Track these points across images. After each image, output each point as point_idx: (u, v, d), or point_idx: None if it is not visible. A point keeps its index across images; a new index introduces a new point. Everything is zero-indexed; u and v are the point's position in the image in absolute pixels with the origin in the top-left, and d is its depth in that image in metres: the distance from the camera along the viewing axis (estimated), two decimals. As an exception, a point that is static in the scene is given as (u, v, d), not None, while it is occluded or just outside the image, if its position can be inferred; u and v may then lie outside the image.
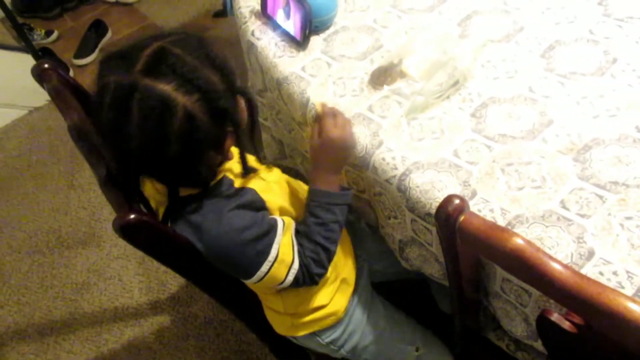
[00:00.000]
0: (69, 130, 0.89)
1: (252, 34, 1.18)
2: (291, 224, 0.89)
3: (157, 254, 0.84)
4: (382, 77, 1.02)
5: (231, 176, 0.86)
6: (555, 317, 0.65)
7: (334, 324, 1.04)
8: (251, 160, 0.91)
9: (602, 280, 0.70)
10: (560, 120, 0.89)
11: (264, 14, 1.19)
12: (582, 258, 0.73)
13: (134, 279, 1.80)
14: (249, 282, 0.87)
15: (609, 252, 0.73)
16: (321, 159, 0.91)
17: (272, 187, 0.92)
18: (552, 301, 0.70)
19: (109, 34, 2.68)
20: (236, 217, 0.81)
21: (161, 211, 0.84)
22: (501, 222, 0.79)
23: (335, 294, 1.01)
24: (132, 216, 0.74)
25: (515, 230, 0.77)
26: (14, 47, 2.45)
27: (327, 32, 1.15)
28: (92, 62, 2.57)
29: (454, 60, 0.97)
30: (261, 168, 0.90)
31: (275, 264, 0.84)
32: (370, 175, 0.93)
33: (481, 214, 0.79)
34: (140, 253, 0.82)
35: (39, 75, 0.97)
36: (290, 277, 0.86)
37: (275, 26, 1.17)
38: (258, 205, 0.85)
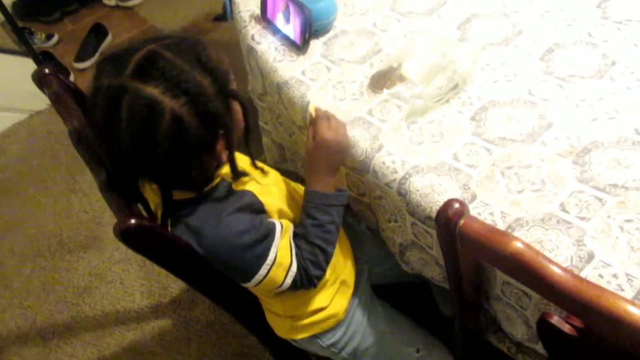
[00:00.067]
0: (70, 134, 0.90)
1: (252, 38, 1.18)
2: (289, 227, 0.90)
3: (157, 259, 0.84)
4: (381, 80, 1.02)
5: (229, 180, 0.86)
6: (555, 320, 0.65)
7: (334, 326, 1.04)
8: (246, 164, 0.91)
9: (602, 283, 0.70)
10: (560, 123, 0.89)
11: (264, 18, 1.19)
12: (582, 261, 0.73)
13: (135, 282, 1.80)
14: (247, 286, 0.87)
15: (608, 255, 0.73)
16: (316, 161, 0.92)
17: (271, 189, 0.92)
18: (552, 304, 0.71)
19: (109, 38, 2.68)
20: (234, 221, 0.81)
21: (159, 213, 0.85)
22: (501, 225, 0.79)
23: (334, 296, 1.02)
24: (133, 221, 0.74)
25: (515, 233, 0.77)
26: (14, 51, 2.45)
27: (327, 36, 1.15)
28: (92, 65, 2.58)
29: (454, 64, 0.97)
30: (255, 173, 0.91)
31: (274, 267, 0.84)
32: (371, 179, 0.93)
33: (481, 217, 0.80)
34: (141, 257, 0.83)
35: (39, 80, 0.97)
36: (289, 280, 0.87)
37: (275, 30, 1.17)
38: (256, 208, 0.85)
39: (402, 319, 1.14)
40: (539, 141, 0.87)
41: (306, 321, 1.01)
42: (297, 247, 0.88)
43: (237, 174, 0.83)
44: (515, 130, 0.90)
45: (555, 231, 0.77)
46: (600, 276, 0.71)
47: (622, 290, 0.69)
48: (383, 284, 1.18)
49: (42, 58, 2.41)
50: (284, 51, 1.14)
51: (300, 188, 1.01)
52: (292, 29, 1.13)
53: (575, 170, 0.83)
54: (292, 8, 1.10)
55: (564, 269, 0.58)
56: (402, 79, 1.02)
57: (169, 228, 0.84)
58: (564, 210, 0.79)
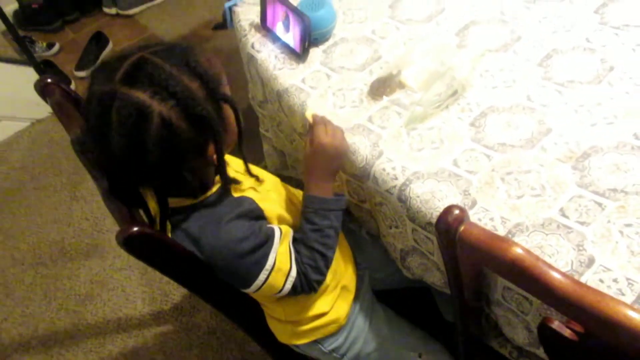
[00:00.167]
0: (72, 142, 0.90)
1: (252, 47, 1.19)
2: (289, 232, 0.90)
3: (159, 266, 0.85)
4: (381, 88, 1.03)
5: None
6: (556, 324, 0.65)
7: (336, 331, 1.04)
8: (240, 168, 0.92)
9: (602, 287, 0.71)
10: (559, 129, 0.90)
11: (264, 26, 1.20)
12: (582, 265, 0.73)
13: (137, 289, 1.80)
14: (247, 292, 0.87)
15: (608, 260, 0.73)
16: (314, 166, 0.92)
17: (270, 195, 0.93)
18: (553, 309, 0.71)
19: (109, 46, 2.69)
20: (233, 228, 0.82)
21: (159, 219, 0.86)
22: (501, 231, 0.79)
23: (336, 301, 1.02)
24: (135, 229, 0.75)
25: (516, 238, 0.78)
26: (15, 60, 2.46)
27: (327, 44, 1.16)
28: (93, 74, 2.58)
29: (453, 70, 0.98)
30: (249, 181, 0.91)
31: (273, 273, 0.84)
32: (371, 186, 0.94)
33: (481, 223, 0.80)
34: (143, 264, 0.83)
35: (42, 89, 0.98)
36: (289, 285, 0.87)
37: (275, 38, 1.18)
38: (256, 215, 0.86)
39: (404, 324, 1.14)
40: (539, 147, 0.88)
41: (307, 326, 1.01)
42: (297, 252, 0.88)
43: (226, 180, 0.84)
44: (515, 135, 0.90)
45: (555, 236, 0.77)
46: (601, 281, 0.71)
47: (623, 294, 0.70)
48: (384, 289, 1.19)
49: (44, 67, 2.42)
50: (283, 59, 1.15)
51: (299, 193, 1.01)
52: (291, 37, 1.13)
53: (575, 175, 0.83)
54: (291, 16, 1.11)
55: (564, 274, 0.58)
56: (401, 85, 1.02)
57: (169, 234, 0.85)
58: (563, 215, 0.79)
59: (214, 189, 0.85)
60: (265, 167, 1.14)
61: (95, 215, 2.03)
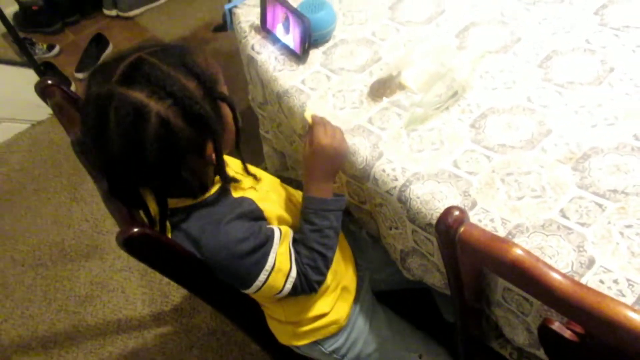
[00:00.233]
0: (72, 145, 0.90)
1: (252, 48, 1.19)
2: (288, 233, 0.90)
3: (160, 267, 0.85)
4: (381, 89, 1.03)
5: (228, 186, 0.87)
6: (556, 326, 0.65)
7: (336, 332, 1.04)
8: (239, 168, 0.92)
9: (603, 288, 0.71)
10: (559, 130, 0.90)
11: (264, 28, 1.20)
12: (582, 267, 0.73)
13: (137, 290, 1.80)
14: (248, 292, 0.87)
15: (609, 261, 0.73)
16: (314, 167, 0.92)
17: (270, 196, 0.93)
18: (553, 310, 0.71)
19: (110, 48, 2.70)
20: (233, 229, 0.82)
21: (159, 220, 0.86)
22: (501, 232, 0.79)
23: (336, 302, 1.02)
24: (135, 229, 0.75)
25: (516, 239, 0.78)
26: (16, 62, 2.46)
27: (327, 45, 1.16)
28: (93, 75, 2.59)
29: (452, 72, 0.98)
30: (247, 179, 0.91)
31: (273, 273, 0.84)
32: (371, 187, 0.94)
33: (481, 224, 0.80)
34: (143, 265, 0.83)
35: (42, 91, 0.98)
36: (289, 286, 0.87)
37: (275, 40, 1.18)
38: (256, 215, 0.86)
39: (405, 325, 1.14)
40: (539, 148, 0.88)
41: (308, 327, 1.01)
42: (297, 252, 0.88)
43: (226, 178, 0.84)
44: (515, 137, 0.90)
45: (555, 237, 0.77)
46: (601, 282, 0.71)
47: (623, 295, 0.70)
48: (384, 290, 1.19)
49: (44, 68, 2.42)
50: (284, 61, 1.15)
51: (299, 194, 1.01)
52: (291, 38, 1.14)
53: (575, 177, 0.83)
54: (291, 18, 1.11)
55: (564, 276, 0.58)
56: (401, 87, 1.02)
57: (169, 235, 0.85)
58: (564, 216, 0.79)
59: (214, 189, 0.85)
60: (265, 169, 1.14)
61: (95, 216, 2.03)
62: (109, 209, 0.82)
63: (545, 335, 0.67)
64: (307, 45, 1.11)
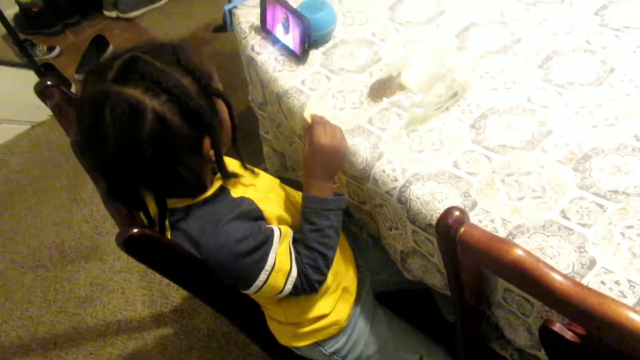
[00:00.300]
0: (72, 145, 0.90)
1: (252, 49, 1.19)
2: (288, 233, 0.90)
3: (160, 268, 0.85)
4: (381, 89, 1.03)
5: (228, 186, 0.87)
6: (557, 327, 0.65)
7: (337, 333, 1.04)
8: (236, 165, 0.91)
9: (604, 289, 0.70)
10: (559, 130, 0.89)
11: (264, 28, 1.20)
12: (583, 267, 0.73)
13: (137, 292, 1.80)
14: (248, 292, 0.87)
15: (610, 261, 0.73)
16: (313, 166, 0.92)
17: (269, 196, 0.93)
18: (554, 311, 0.71)
19: (110, 49, 2.70)
20: (232, 229, 0.82)
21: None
22: (502, 233, 0.79)
23: (337, 303, 1.02)
24: (135, 230, 0.74)
25: (516, 240, 0.78)
26: (16, 63, 2.47)
27: (326, 45, 1.16)
28: (93, 76, 2.58)
29: (453, 72, 0.98)
30: (246, 174, 0.91)
31: (273, 273, 0.84)
32: (371, 187, 0.93)
33: (482, 225, 0.80)
34: (143, 266, 0.83)
35: (41, 92, 0.98)
36: (289, 285, 0.87)
37: (275, 41, 1.18)
38: (255, 215, 0.86)
39: (405, 326, 1.14)
40: (539, 148, 0.88)
41: (308, 328, 1.01)
42: (297, 252, 0.88)
43: (226, 174, 0.84)
44: (515, 137, 0.90)
45: (556, 238, 0.77)
46: (602, 283, 0.71)
47: (625, 297, 0.69)
48: (385, 291, 1.18)
49: (44, 70, 2.42)
50: (283, 61, 1.15)
51: (299, 195, 1.01)
52: (291, 39, 1.13)
53: (576, 177, 0.83)
54: (291, 19, 1.11)
55: (565, 276, 0.58)
56: (401, 87, 1.02)
57: (169, 235, 0.84)
58: (564, 217, 0.79)
59: (213, 189, 0.85)
60: (265, 169, 1.13)
61: (95, 218, 2.03)
62: (108, 210, 0.82)
63: (546, 336, 0.67)
64: (307, 45, 1.11)
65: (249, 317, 1.06)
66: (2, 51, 2.65)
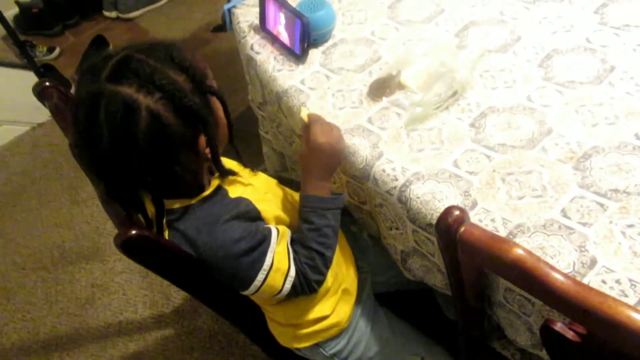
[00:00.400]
0: (71, 147, 0.90)
1: (251, 48, 1.19)
2: (286, 232, 0.90)
3: (159, 269, 0.85)
4: (381, 88, 1.03)
5: (226, 186, 0.87)
6: (558, 326, 0.65)
7: (337, 335, 1.04)
8: (233, 165, 0.91)
9: (605, 288, 0.70)
10: (560, 129, 0.89)
11: (263, 28, 1.20)
12: (584, 267, 0.73)
13: (138, 293, 1.80)
14: (247, 293, 0.87)
15: (611, 261, 0.72)
16: (310, 165, 0.92)
17: (267, 196, 0.93)
18: (555, 310, 0.70)
19: (110, 49, 2.70)
20: (230, 229, 0.81)
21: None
22: (502, 232, 0.79)
23: (337, 305, 1.01)
24: (133, 232, 0.74)
25: (517, 239, 0.77)
26: (16, 65, 2.46)
27: (326, 45, 1.16)
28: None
29: (452, 71, 0.98)
30: (243, 173, 0.91)
31: (271, 273, 0.84)
32: (371, 187, 0.93)
33: (482, 224, 0.80)
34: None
35: (40, 93, 0.98)
36: (288, 285, 0.86)
37: (274, 40, 1.18)
38: (253, 216, 0.86)
39: (406, 327, 1.14)
40: (539, 147, 0.87)
41: (308, 330, 1.01)
42: (295, 252, 0.88)
43: (222, 170, 0.84)
44: (515, 136, 0.90)
45: (557, 237, 0.76)
46: (603, 282, 0.71)
47: (626, 296, 0.69)
48: (386, 292, 1.18)
49: (44, 71, 2.42)
50: (283, 61, 1.14)
51: (297, 194, 1.01)
52: (291, 38, 1.13)
53: (576, 176, 0.82)
54: (290, 18, 1.10)
55: (566, 276, 0.58)
56: (401, 86, 1.02)
57: (166, 235, 0.84)
58: (565, 216, 0.78)
59: (210, 189, 0.85)
60: (265, 170, 1.13)
61: (96, 219, 2.03)
62: (107, 212, 0.82)
63: (548, 335, 0.67)
64: (306, 44, 1.11)
65: (249, 318, 1.06)
66: (1, 52, 2.64)
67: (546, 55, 1.01)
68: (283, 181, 1.04)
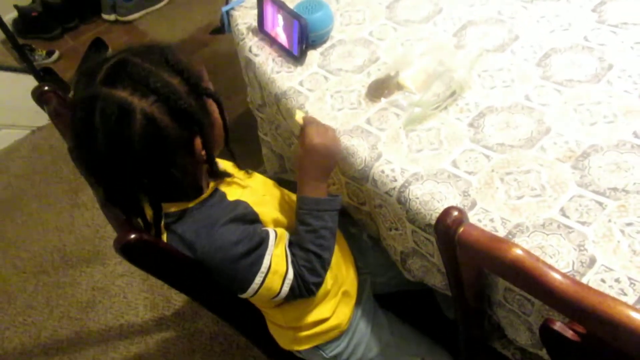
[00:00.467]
0: (69, 151, 0.90)
1: (250, 50, 1.19)
2: (284, 235, 0.90)
3: (158, 273, 0.84)
4: (379, 89, 1.03)
5: (223, 189, 0.86)
6: (558, 326, 0.65)
7: (338, 337, 1.03)
8: (229, 165, 0.91)
9: (604, 287, 0.70)
10: (558, 128, 0.89)
11: (261, 30, 1.20)
12: (583, 266, 0.73)
13: (138, 295, 1.80)
14: (246, 296, 0.87)
15: (610, 259, 0.72)
16: (307, 167, 0.92)
17: (265, 199, 0.93)
18: (555, 310, 0.70)
19: (109, 52, 2.70)
20: (228, 232, 0.81)
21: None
22: (502, 232, 0.79)
23: (337, 307, 1.01)
24: (132, 236, 0.74)
25: (516, 239, 0.77)
26: (15, 68, 2.47)
27: (324, 46, 1.16)
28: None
29: (451, 71, 0.98)
30: (239, 174, 0.91)
31: (269, 275, 0.84)
32: (370, 188, 0.93)
33: (481, 224, 0.80)
34: (144, 270, 0.83)
35: (39, 97, 0.98)
36: (286, 288, 0.86)
37: (273, 42, 1.18)
38: (251, 218, 0.86)
39: (406, 329, 1.13)
40: (538, 146, 0.87)
41: (309, 332, 1.01)
42: (292, 254, 0.88)
43: (217, 173, 0.84)
44: (514, 136, 0.90)
45: (556, 236, 0.76)
46: (603, 281, 0.71)
47: (625, 294, 0.69)
48: (386, 293, 1.18)
49: (43, 74, 2.42)
50: (281, 62, 1.14)
51: (295, 196, 1.01)
52: (289, 40, 1.13)
53: (575, 175, 0.82)
54: (288, 19, 1.11)
55: (565, 275, 0.58)
56: (399, 87, 1.02)
57: (164, 238, 0.84)
58: (564, 215, 0.78)
59: (208, 192, 0.85)
60: (264, 171, 1.13)
61: (96, 222, 2.03)
62: (106, 215, 0.82)
63: (547, 335, 0.67)
64: (304, 46, 1.11)
65: (249, 321, 1.06)
66: (1, 56, 2.65)
67: (544, 54, 1.01)
68: (283, 183, 1.04)
